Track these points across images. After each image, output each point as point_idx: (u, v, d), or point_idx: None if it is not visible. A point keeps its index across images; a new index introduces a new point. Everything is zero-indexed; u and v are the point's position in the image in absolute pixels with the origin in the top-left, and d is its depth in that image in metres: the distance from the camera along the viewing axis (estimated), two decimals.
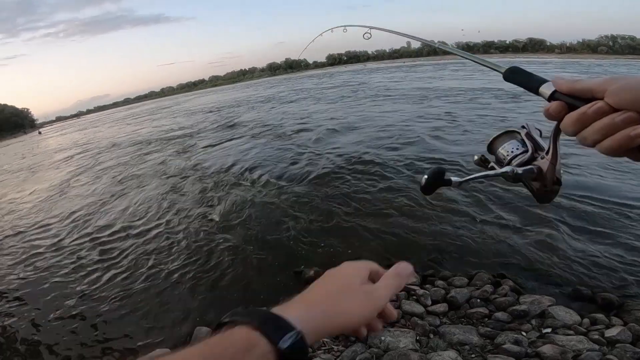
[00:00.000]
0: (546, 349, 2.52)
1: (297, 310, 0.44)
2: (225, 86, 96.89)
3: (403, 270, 0.55)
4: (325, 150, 9.63)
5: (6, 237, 7.70)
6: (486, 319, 3.10)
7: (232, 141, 13.52)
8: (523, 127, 0.69)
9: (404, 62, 73.12)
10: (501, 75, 0.65)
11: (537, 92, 0.56)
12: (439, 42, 1.25)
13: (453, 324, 3.10)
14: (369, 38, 1.91)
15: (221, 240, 5.49)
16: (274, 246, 5.10)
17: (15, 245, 7.11)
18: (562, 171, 0.64)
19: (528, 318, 3.02)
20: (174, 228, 6.30)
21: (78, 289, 4.93)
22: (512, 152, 0.68)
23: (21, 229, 7.96)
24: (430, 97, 17.15)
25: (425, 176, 0.70)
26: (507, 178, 0.66)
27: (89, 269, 5.43)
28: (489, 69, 0.73)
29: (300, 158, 9.28)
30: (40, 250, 6.54)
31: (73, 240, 6.73)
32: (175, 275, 4.79)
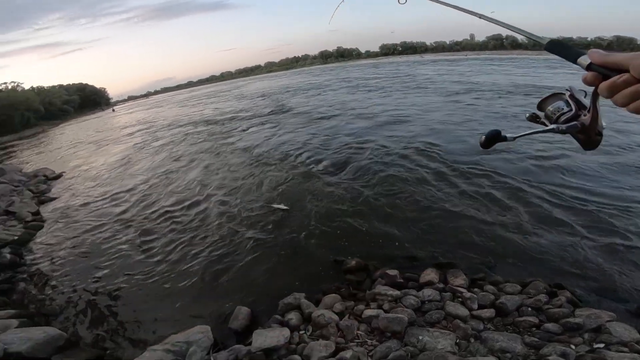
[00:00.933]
0: None
1: None
2: (279, 72, 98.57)
3: None
4: (365, 140, 9.51)
5: (78, 206, 8.60)
6: (534, 329, 2.92)
7: (279, 125, 13.91)
8: (567, 90, 0.79)
9: (466, 55, 68.64)
10: (543, 46, 0.74)
11: (575, 62, 0.65)
12: (482, 14, 1.11)
13: (497, 330, 2.95)
14: (404, 3, 1.93)
15: (268, 225, 5.63)
16: (318, 234, 5.14)
17: (83, 214, 7.88)
18: (604, 125, 0.74)
19: (581, 332, 2.81)
20: (228, 208, 6.56)
21: (133, 259, 5.35)
22: (558, 110, 0.79)
23: (89, 200, 8.81)
24: (463, 92, 16.40)
25: (484, 136, 0.83)
26: (555, 132, 0.79)
27: (143, 242, 5.85)
28: (532, 40, 0.78)
29: (342, 146, 9.27)
30: (104, 220, 7.18)
31: (132, 212, 7.33)
32: (223, 254, 5.02)
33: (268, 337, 2.90)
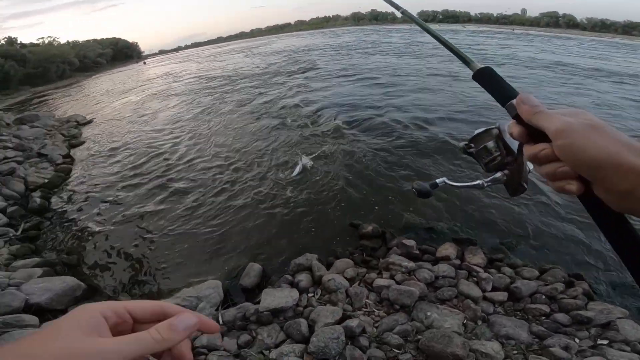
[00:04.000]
0: None
1: None
2: (309, 31, 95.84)
3: (180, 323, 0.38)
4: (387, 105, 9.33)
5: (107, 150, 8.83)
6: (543, 318, 2.86)
7: (304, 81, 14.01)
8: (496, 128, 0.68)
9: (513, 30, 64.46)
10: (471, 71, 0.61)
11: (503, 105, 0.55)
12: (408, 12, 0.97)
13: (507, 315, 2.88)
14: None
15: (289, 183, 5.57)
16: (339, 197, 5.04)
17: (111, 159, 8.13)
18: (529, 168, 0.65)
19: (589, 326, 2.75)
20: (250, 164, 6.52)
21: (155, 209, 5.42)
22: (489, 153, 0.69)
23: (118, 145, 9.05)
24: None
25: (415, 189, 0.84)
26: (480, 188, 0.75)
27: (167, 192, 5.92)
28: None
29: (365, 107, 9.13)
30: (130, 167, 7.36)
31: (157, 161, 7.44)
32: (240, 210, 5.02)
33: (277, 297, 2.88)
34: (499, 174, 0.68)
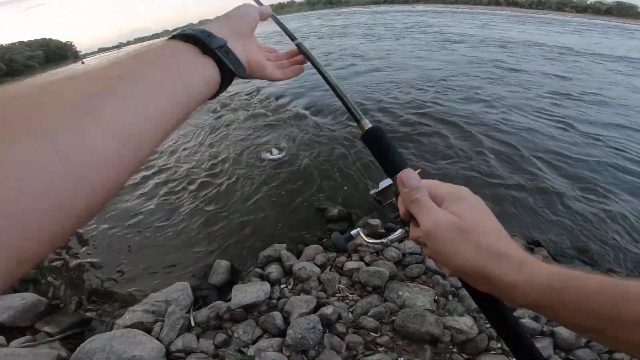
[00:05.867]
0: (562, 329, 2.42)
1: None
2: None
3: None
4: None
5: None
6: None
7: None
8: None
9: (457, 9, 68.05)
10: (360, 128, 0.54)
11: (390, 177, 0.51)
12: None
13: None
14: None
15: (252, 172, 5.45)
16: (301, 183, 4.99)
17: None
18: None
19: None
20: (209, 158, 6.30)
21: (111, 212, 5.06)
22: (393, 210, 0.64)
23: None
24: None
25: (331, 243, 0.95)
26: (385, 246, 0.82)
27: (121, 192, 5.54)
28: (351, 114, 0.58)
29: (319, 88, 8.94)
30: None
31: None
32: (203, 207, 4.82)
33: (248, 292, 2.82)
34: (400, 232, 0.63)
